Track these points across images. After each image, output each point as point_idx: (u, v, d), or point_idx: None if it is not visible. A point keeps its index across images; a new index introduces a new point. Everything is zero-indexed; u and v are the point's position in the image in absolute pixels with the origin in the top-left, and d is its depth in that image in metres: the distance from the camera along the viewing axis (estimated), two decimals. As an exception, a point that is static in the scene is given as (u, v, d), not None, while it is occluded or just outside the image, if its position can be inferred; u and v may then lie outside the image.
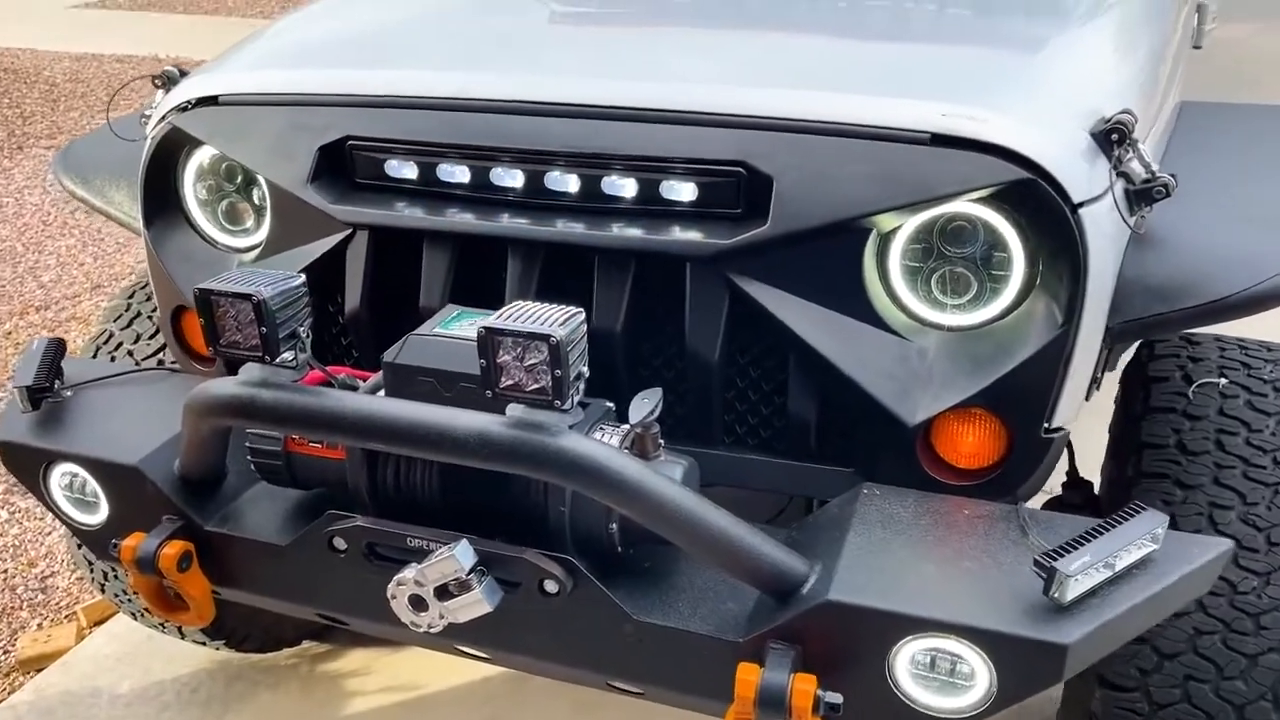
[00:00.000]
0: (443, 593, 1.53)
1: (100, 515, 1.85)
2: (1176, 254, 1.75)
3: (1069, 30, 2.04)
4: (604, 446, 1.46)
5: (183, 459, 1.76)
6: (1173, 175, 1.68)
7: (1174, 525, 1.46)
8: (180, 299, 2.05)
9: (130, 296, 2.57)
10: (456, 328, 1.67)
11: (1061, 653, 1.35)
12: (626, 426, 1.56)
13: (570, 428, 1.44)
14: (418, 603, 1.55)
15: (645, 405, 1.53)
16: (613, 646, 1.59)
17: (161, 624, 2.68)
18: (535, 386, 1.42)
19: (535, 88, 1.84)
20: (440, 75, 1.93)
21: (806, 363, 1.72)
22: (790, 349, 1.74)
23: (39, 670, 2.92)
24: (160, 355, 2.41)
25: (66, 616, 3.12)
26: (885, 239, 1.71)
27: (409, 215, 1.84)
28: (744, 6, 2.30)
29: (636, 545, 1.62)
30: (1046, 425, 1.67)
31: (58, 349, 1.90)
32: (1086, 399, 1.77)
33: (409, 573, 1.53)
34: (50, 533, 3.45)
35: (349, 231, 1.88)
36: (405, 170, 1.87)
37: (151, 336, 2.46)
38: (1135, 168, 1.67)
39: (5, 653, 2.99)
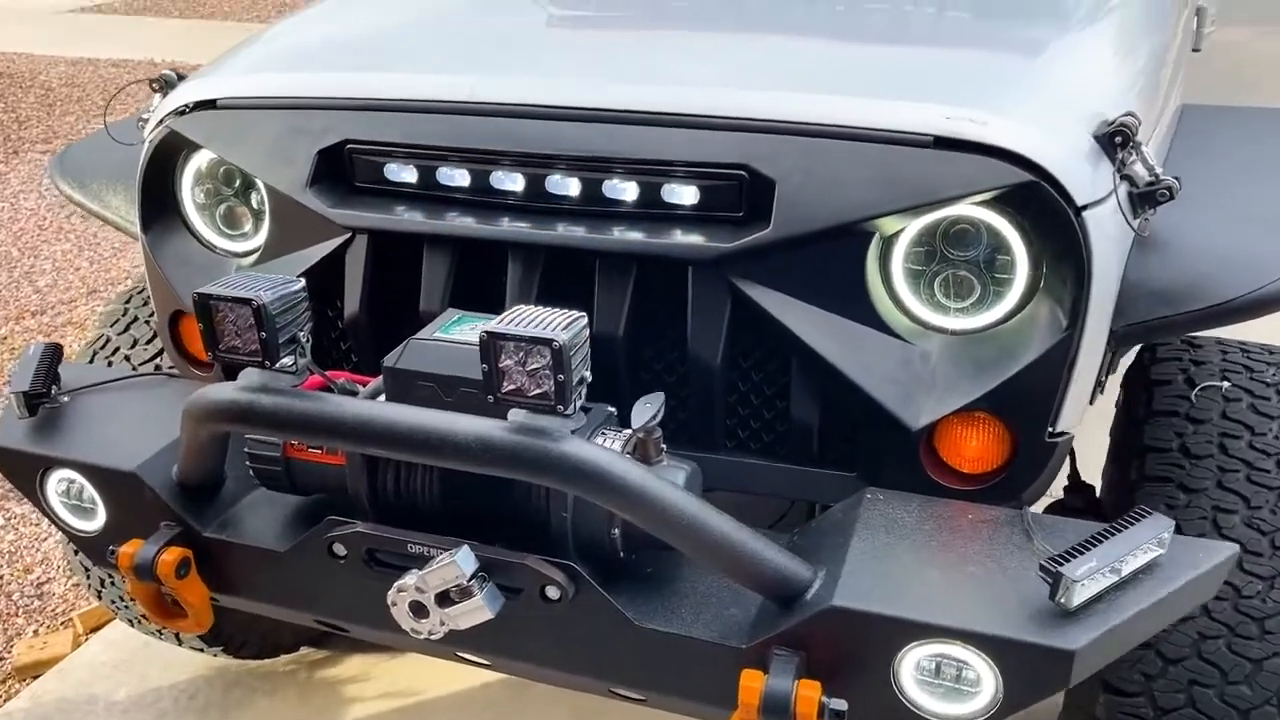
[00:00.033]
0: (444, 599, 1.52)
1: (98, 521, 1.84)
2: (1180, 257, 1.75)
3: (1070, 33, 2.04)
4: (607, 452, 1.45)
5: (181, 465, 1.74)
6: (1176, 178, 1.68)
7: (1178, 529, 1.45)
8: (178, 304, 2.04)
9: (127, 301, 2.56)
10: (457, 332, 1.66)
11: (1068, 659, 1.34)
12: (629, 431, 1.55)
13: (573, 433, 1.43)
14: (418, 609, 1.54)
15: (648, 410, 1.52)
16: (615, 653, 1.58)
17: (159, 630, 2.67)
18: (537, 391, 1.41)
19: (536, 91, 1.83)
20: (440, 78, 1.92)
21: (809, 367, 1.71)
22: (793, 353, 1.73)
23: (35, 677, 2.90)
24: (157, 360, 2.40)
25: (63, 623, 3.10)
26: (888, 242, 1.70)
27: (409, 219, 1.83)
28: (745, 9, 2.29)
29: (638, 551, 1.61)
30: (1051, 429, 1.67)
31: (54, 354, 1.89)
32: (1090, 403, 1.76)
33: (410, 579, 1.52)
34: (46, 538, 3.44)
35: (348, 236, 1.87)
36: (405, 174, 1.86)
37: (149, 341, 2.45)
38: (1139, 170, 1.67)
39: (1, 660, 2.97)
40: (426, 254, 1.83)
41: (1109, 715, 1.77)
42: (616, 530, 1.57)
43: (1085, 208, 1.59)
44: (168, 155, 2.06)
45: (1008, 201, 1.63)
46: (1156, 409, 2.02)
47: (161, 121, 2.04)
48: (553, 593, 1.54)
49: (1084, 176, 1.61)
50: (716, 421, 1.80)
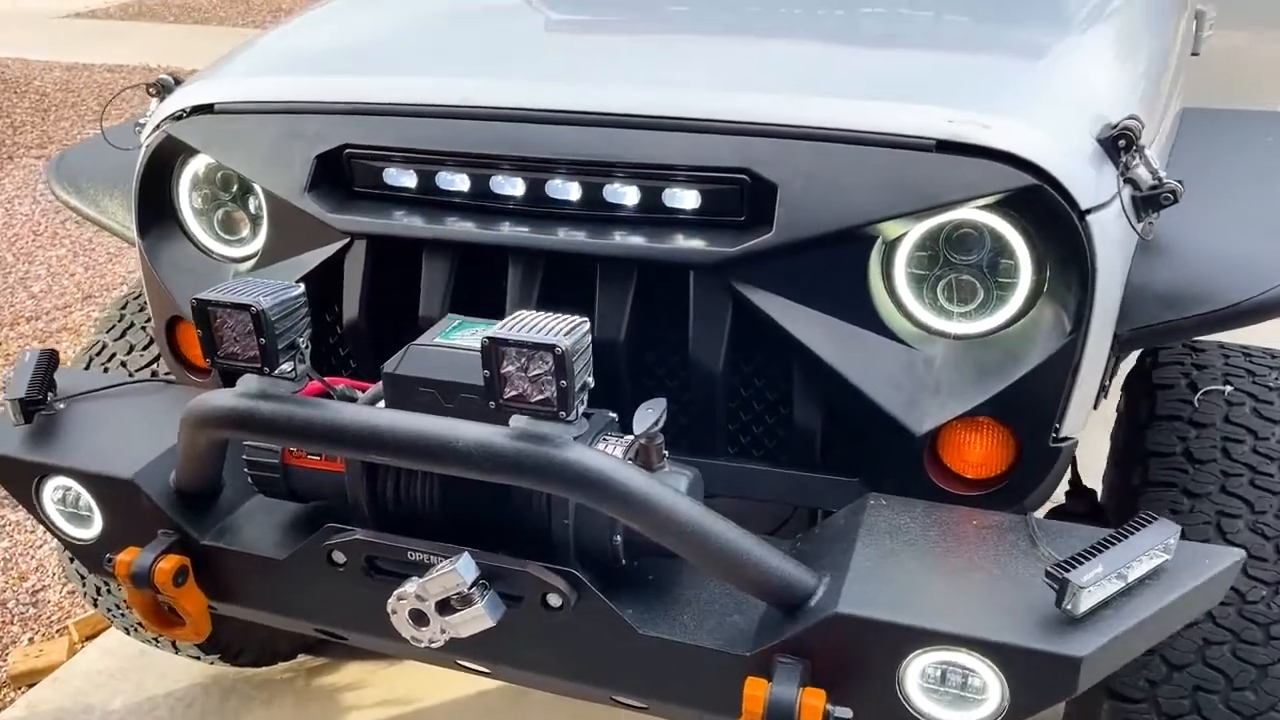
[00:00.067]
0: (444, 607, 1.50)
1: (94, 529, 1.82)
2: (1184, 261, 1.74)
3: (1072, 36, 2.03)
4: (610, 458, 1.43)
5: (179, 472, 1.73)
6: (1180, 181, 1.67)
7: (1182, 535, 1.45)
8: (175, 309, 2.03)
9: (123, 307, 2.55)
10: (457, 338, 1.65)
11: (1075, 666, 1.33)
12: (630, 437, 1.54)
13: (575, 439, 1.42)
14: (419, 617, 1.53)
15: (649, 415, 1.51)
16: (617, 661, 1.57)
17: (155, 639, 2.65)
18: (540, 398, 1.40)
19: (536, 94, 1.82)
20: (440, 82, 1.91)
21: (811, 372, 1.70)
22: (795, 358, 1.72)
23: (30, 686, 2.88)
24: (154, 366, 2.39)
25: (58, 631, 3.09)
26: (891, 246, 1.69)
27: (408, 224, 1.82)
28: (745, 12, 2.29)
29: (641, 558, 1.60)
30: (1055, 434, 1.66)
31: (50, 360, 1.88)
32: (1094, 407, 1.75)
33: (410, 587, 1.51)
34: (41, 546, 3.42)
35: (347, 241, 1.85)
36: (404, 178, 1.85)
37: (145, 347, 2.43)
38: (1142, 174, 1.66)
39: (-4, 668, 2.96)
40: (426, 259, 1.82)
41: (1113, 722, 1.77)
42: (618, 537, 1.56)
43: (1089, 211, 1.59)
44: (165, 160, 2.04)
45: (1011, 205, 1.62)
46: (1159, 413, 2.01)
47: (158, 126, 2.03)
48: (554, 600, 1.53)
49: (1088, 180, 1.60)
50: (718, 427, 1.79)
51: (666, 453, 1.53)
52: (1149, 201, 1.67)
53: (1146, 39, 2.22)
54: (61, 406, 1.89)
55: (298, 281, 1.65)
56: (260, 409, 1.53)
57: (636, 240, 1.71)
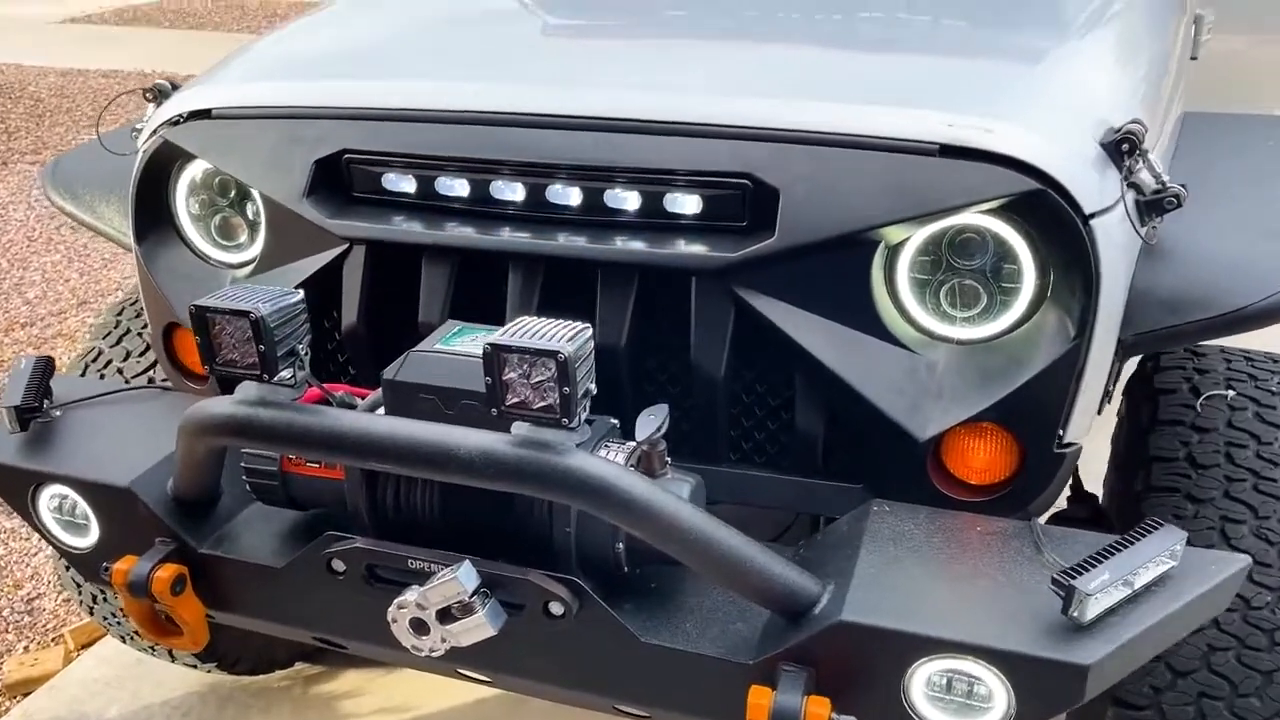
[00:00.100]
0: (445, 616, 1.49)
1: (91, 538, 1.81)
2: (1188, 266, 1.73)
3: (1073, 40, 2.02)
4: (612, 465, 1.42)
5: (176, 480, 1.72)
6: (1183, 185, 1.66)
7: (1187, 541, 1.44)
8: (172, 316, 2.02)
9: (119, 313, 2.53)
10: (458, 344, 1.63)
11: (1082, 673, 1.32)
12: (632, 444, 1.53)
13: (577, 446, 1.41)
14: (419, 626, 1.51)
15: (651, 422, 1.50)
16: (619, 669, 1.56)
17: (151, 647, 2.63)
18: (542, 404, 1.39)
19: (536, 99, 1.81)
20: (439, 87, 1.90)
21: (814, 377, 1.69)
22: (797, 364, 1.71)
23: (26, 694, 2.86)
24: (151, 373, 2.37)
25: (54, 639, 3.07)
26: (893, 251, 1.68)
27: (407, 229, 1.81)
28: (746, 18, 2.28)
29: (643, 565, 1.59)
30: (1059, 440, 1.65)
31: (46, 367, 1.86)
32: (1098, 412, 1.74)
33: (410, 595, 1.50)
34: (37, 553, 3.40)
35: (346, 246, 1.84)
36: (403, 184, 1.84)
37: (141, 354, 2.42)
38: (1145, 178, 1.66)
39: (-9, 677, 2.94)
40: (425, 265, 1.81)
41: (1118, 729, 1.76)
42: (620, 545, 1.54)
43: (1093, 216, 1.58)
44: (162, 165, 2.03)
45: (1014, 210, 1.62)
46: (1161, 418, 2.01)
47: (155, 131, 2.02)
48: (556, 609, 1.52)
49: (1091, 184, 1.60)
50: (720, 433, 1.78)
51: (669, 459, 1.52)
52: (1152, 206, 1.66)
53: (1147, 43, 2.21)
54: (58, 414, 1.88)
55: (296, 287, 1.64)
56: (259, 416, 1.52)
57: (637, 245, 1.70)
